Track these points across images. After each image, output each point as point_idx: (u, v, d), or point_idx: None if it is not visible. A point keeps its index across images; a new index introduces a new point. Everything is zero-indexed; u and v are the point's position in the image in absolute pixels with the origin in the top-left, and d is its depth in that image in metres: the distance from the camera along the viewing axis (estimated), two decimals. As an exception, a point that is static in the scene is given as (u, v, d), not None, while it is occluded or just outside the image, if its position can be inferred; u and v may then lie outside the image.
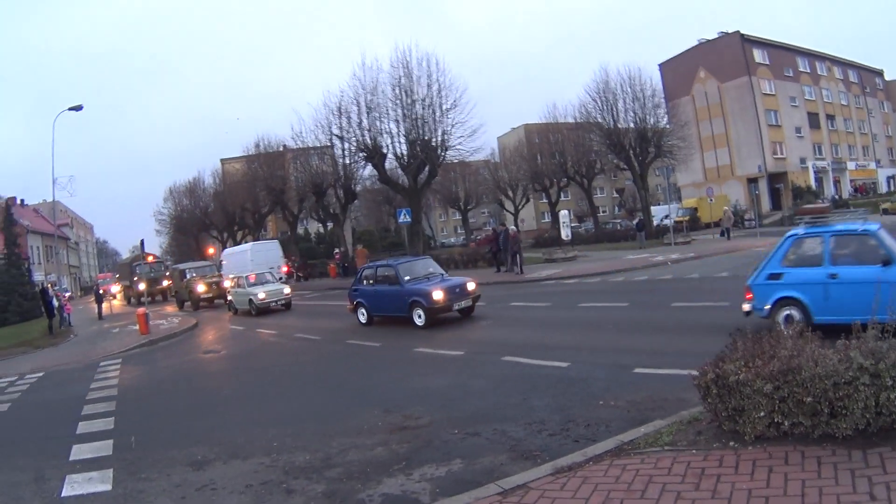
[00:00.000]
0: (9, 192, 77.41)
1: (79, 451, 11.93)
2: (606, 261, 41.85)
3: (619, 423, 9.66)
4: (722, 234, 52.78)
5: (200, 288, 46.65)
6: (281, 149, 72.54)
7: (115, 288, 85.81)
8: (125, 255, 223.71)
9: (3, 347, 34.03)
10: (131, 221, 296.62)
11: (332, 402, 13.87)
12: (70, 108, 50.04)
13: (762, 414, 7.50)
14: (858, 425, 7.02)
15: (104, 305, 54.15)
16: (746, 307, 14.68)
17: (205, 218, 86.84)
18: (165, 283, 63.13)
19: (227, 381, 19.14)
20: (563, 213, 57.37)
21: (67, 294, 59.02)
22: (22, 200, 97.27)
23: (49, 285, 54.67)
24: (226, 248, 77.51)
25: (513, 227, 49.39)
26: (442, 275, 25.19)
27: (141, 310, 33.42)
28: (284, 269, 58.19)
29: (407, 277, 24.05)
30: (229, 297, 39.73)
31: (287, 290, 37.85)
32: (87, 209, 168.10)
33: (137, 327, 32.47)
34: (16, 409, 17.72)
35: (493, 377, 13.98)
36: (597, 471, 7.57)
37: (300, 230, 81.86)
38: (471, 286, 23.89)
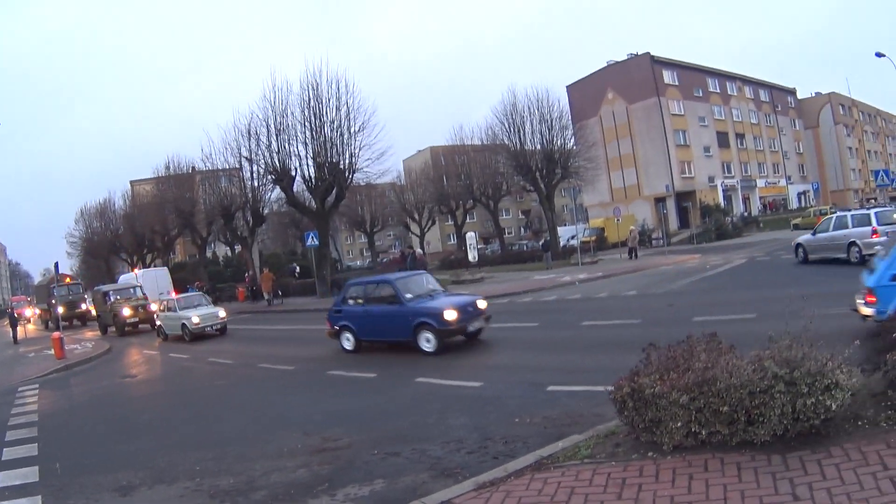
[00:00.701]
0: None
1: (5, 478, 11.95)
2: (514, 282, 42.39)
3: (537, 439, 9.92)
4: (629, 253, 52.93)
5: (126, 312, 43.41)
6: (190, 170, 71.41)
7: (30, 311, 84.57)
8: (38, 277, 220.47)
9: None
10: (43, 243, 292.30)
11: (253, 426, 13.98)
12: None
13: (679, 424, 7.75)
14: (776, 431, 7.33)
15: (19, 329, 53.28)
16: (868, 311, 13.27)
17: (115, 240, 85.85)
18: (84, 306, 61.56)
19: (148, 404, 19.14)
20: (470, 235, 57.79)
21: None
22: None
23: None
24: (136, 270, 76.89)
25: (419, 249, 49.55)
26: (444, 291, 22.73)
27: (56, 334, 32.98)
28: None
29: (408, 295, 20.58)
30: (158, 322, 36.86)
31: (222, 313, 35.56)
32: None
33: (52, 352, 31.99)
34: None
35: (409, 398, 14.35)
36: (519, 485, 7.78)
37: (208, 253, 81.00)
38: (482, 304, 21.04)
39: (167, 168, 74.72)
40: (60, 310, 49.92)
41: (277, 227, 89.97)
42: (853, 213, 31.37)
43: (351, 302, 22.61)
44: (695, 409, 7.60)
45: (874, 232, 28.29)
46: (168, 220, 76.08)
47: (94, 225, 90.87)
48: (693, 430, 7.68)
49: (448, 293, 22.72)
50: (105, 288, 51.10)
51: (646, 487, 7.03)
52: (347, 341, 22.12)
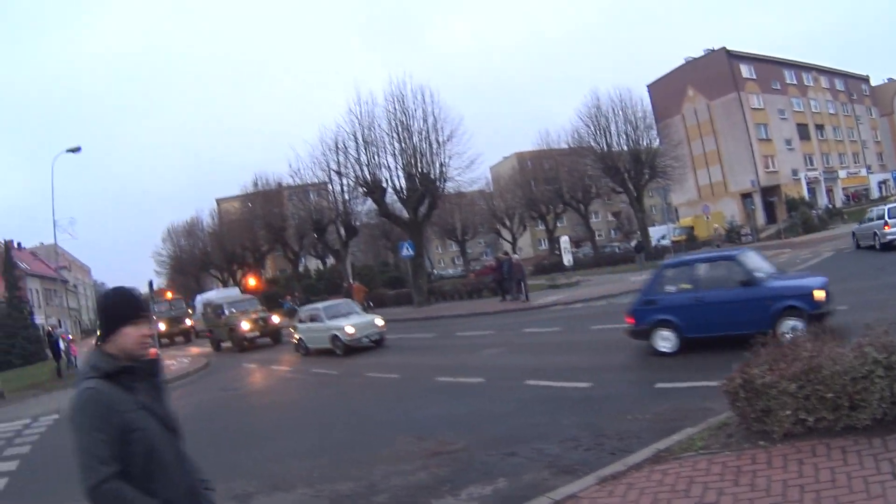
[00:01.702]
0: (6, 236, 76.93)
1: None
2: (609, 284, 41.93)
3: (650, 433, 9.92)
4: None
5: (245, 325, 38.56)
6: (281, 185, 72.03)
7: None
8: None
9: (13, 390, 34.02)
10: (128, 263, 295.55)
11: (366, 432, 13.89)
12: (68, 150, 49.32)
13: (788, 412, 7.85)
14: (876, 415, 7.43)
15: None
16: None
17: (204, 257, 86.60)
18: (188, 322, 59.22)
19: (253, 415, 19.06)
20: (564, 239, 57.77)
21: (70, 337, 57.51)
22: (19, 244, 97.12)
23: (50, 328, 54.39)
24: (226, 286, 77.72)
25: (516, 255, 49.44)
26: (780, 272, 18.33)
27: (152, 350, 32.47)
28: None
29: (760, 274, 15.81)
30: (296, 336, 31.73)
31: (380, 321, 30.18)
32: (83, 252, 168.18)
33: None
34: (38, 453, 17.36)
35: (519, 400, 14.20)
36: (639, 477, 7.89)
37: (300, 268, 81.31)
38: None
39: (255, 185, 75.57)
40: (162, 326, 51.76)
41: (368, 238, 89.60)
42: (882, 207, 35.17)
43: (671, 289, 17.31)
44: (802, 396, 7.76)
45: (885, 224, 32.66)
46: (258, 236, 76.41)
47: (182, 243, 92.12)
48: (801, 417, 7.82)
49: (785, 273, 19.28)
50: (217, 301, 47.10)
51: (760, 473, 7.19)
52: (665, 341, 16.51)
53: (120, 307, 3.90)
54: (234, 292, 62.64)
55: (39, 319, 75.98)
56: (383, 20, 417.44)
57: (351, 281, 58.55)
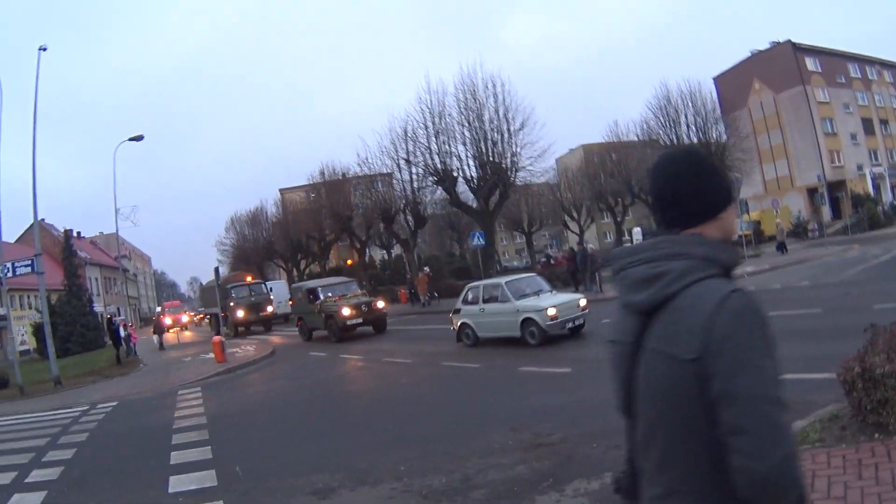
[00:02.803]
0: (66, 225, 77.64)
1: (178, 483, 11.17)
2: (682, 277, 41.19)
3: None
4: (778, 248, 51.85)
5: (346, 311, 33.96)
6: (345, 175, 71.63)
7: (185, 318, 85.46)
8: (183, 286, 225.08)
9: (71, 376, 33.59)
10: (189, 253, 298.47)
11: (453, 424, 13.33)
12: (130, 139, 48.92)
13: None
14: None
15: (169, 335, 54.69)
16: None
17: (268, 246, 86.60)
18: (270, 308, 54.53)
19: (327, 405, 18.20)
20: (637, 230, 57.23)
21: (130, 324, 57.18)
22: (79, 233, 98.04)
23: (110, 316, 54.32)
24: (290, 276, 77.68)
25: (591, 245, 49.05)
26: None
27: (217, 337, 32.63)
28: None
29: None
30: (461, 321, 24.78)
31: (584, 301, 24.13)
32: (143, 241, 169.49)
33: (212, 355, 31.85)
34: (96, 440, 16.76)
35: (607, 392, 13.52)
36: None
37: (365, 258, 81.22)
38: None
39: (322, 174, 75.20)
40: (241, 313, 50.72)
41: (434, 229, 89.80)
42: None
43: None
44: None
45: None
46: (324, 225, 75.99)
47: (246, 232, 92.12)
48: None
49: None
50: (311, 284, 41.53)
51: (882, 467, 7.04)
52: None
53: (724, 179, 2.68)
54: (279, 284, 61.64)
55: (98, 307, 76.49)
56: (452, 17, 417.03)
57: (416, 271, 57.99)
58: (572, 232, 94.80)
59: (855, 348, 10.59)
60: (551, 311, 21.70)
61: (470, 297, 24.98)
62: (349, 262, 79.18)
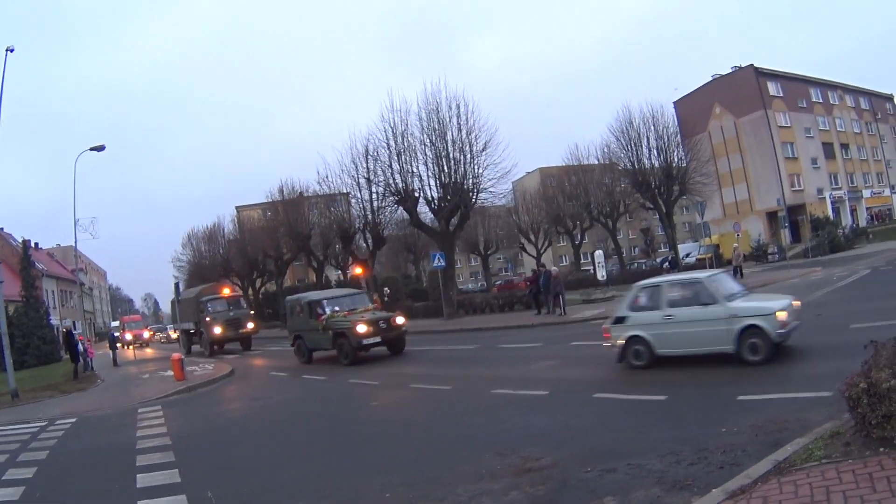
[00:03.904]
0: (24, 235, 76.91)
1: None
2: (645, 300, 41.11)
3: (755, 446, 9.52)
4: (733, 272, 50.30)
5: (361, 329, 28.99)
6: (305, 193, 71.09)
7: (147, 334, 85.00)
8: (138, 302, 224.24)
9: (28, 390, 32.95)
10: (145, 269, 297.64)
11: (433, 448, 12.85)
12: (92, 148, 47.76)
13: None
14: None
15: (128, 351, 53.29)
16: None
17: (225, 264, 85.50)
18: (250, 325, 48.95)
19: (296, 428, 17.56)
20: (598, 253, 57.07)
21: (87, 339, 55.97)
22: (36, 244, 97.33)
23: (66, 329, 53.11)
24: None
25: (554, 267, 48.68)
26: None
27: (176, 355, 32.01)
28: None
29: None
30: (630, 333, 18.18)
31: (797, 301, 17.99)
32: (99, 255, 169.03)
33: (171, 373, 31.34)
34: (57, 458, 16.23)
35: (595, 414, 13.55)
36: (770, 489, 7.51)
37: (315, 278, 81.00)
38: None
39: (281, 192, 74.82)
40: (218, 330, 45.98)
41: (389, 250, 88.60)
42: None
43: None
44: None
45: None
46: (282, 244, 75.52)
47: (203, 248, 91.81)
48: None
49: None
50: (312, 296, 34.63)
51: (895, 479, 6.92)
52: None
53: None
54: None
55: (55, 321, 75.86)
56: (415, 39, 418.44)
57: (373, 292, 54.26)
58: (529, 255, 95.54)
59: (839, 367, 11.27)
60: (781, 315, 16.10)
61: (643, 300, 18.89)
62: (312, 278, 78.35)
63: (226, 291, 52.11)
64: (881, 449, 7.83)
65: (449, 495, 9.46)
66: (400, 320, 31.27)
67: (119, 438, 17.99)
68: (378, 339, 29.71)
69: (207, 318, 47.02)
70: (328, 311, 31.57)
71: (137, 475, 12.90)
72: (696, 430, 10.94)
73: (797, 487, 7.36)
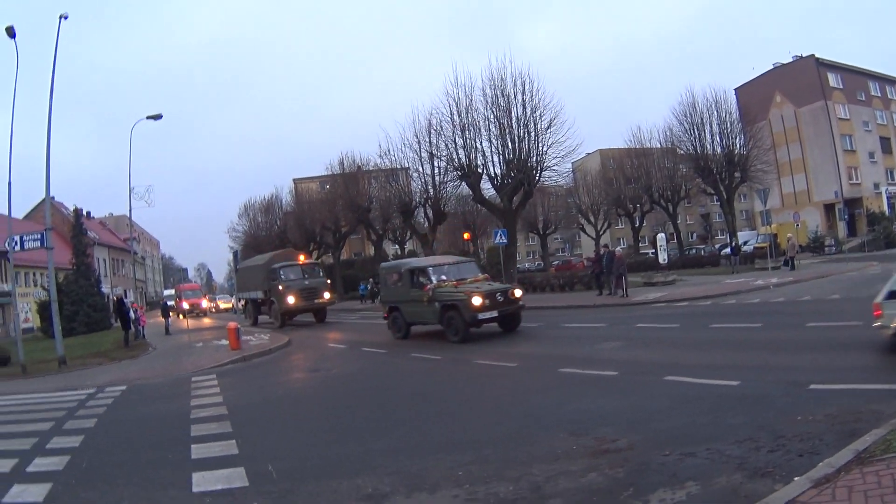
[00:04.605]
0: (76, 204, 77.16)
1: (203, 481, 10.05)
2: (707, 285, 41.33)
3: (832, 435, 9.33)
4: (785, 263, 50.25)
5: (477, 301, 25.46)
6: (365, 167, 71.33)
7: (205, 303, 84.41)
8: (192, 272, 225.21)
9: (76, 357, 32.59)
10: (196, 239, 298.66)
11: (502, 427, 12.14)
12: (149, 117, 47.66)
13: None
14: None
15: (187, 321, 51.82)
16: None
17: (282, 235, 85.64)
18: (327, 294, 46.43)
19: (359, 401, 16.78)
20: (661, 237, 57.21)
21: (141, 307, 55.74)
22: (89, 213, 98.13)
23: (118, 297, 52.74)
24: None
25: (618, 248, 48.58)
26: None
27: (232, 323, 31.25)
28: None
29: None
30: None
31: None
32: (153, 225, 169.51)
33: (225, 342, 31.03)
34: (105, 427, 15.61)
35: (667, 397, 13.10)
36: (854, 479, 7.40)
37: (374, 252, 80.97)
38: None
39: (341, 164, 74.96)
40: (292, 299, 43.80)
41: (447, 227, 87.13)
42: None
43: None
44: None
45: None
46: (340, 216, 75.43)
47: (260, 220, 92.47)
48: None
49: None
50: (415, 263, 31.89)
51: None
52: None
53: None
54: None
55: (105, 289, 76.13)
56: (474, 18, 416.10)
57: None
58: (588, 236, 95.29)
59: None
60: None
61: None
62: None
63: (301, 258, 49.61)
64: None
65: (524, 475, 9.09)
66: (518, 293, 28.19)
67: (172, 407, 17.66)
68: (495, 314, 26.33)
69: (280, 287, 44.51)
70: (434, 280, 28.22)
71: (192, 445, 12.46)
72: (772, 418, 10.73)
73: (879, 478, 7.30)
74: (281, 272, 45.13)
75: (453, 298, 26.49)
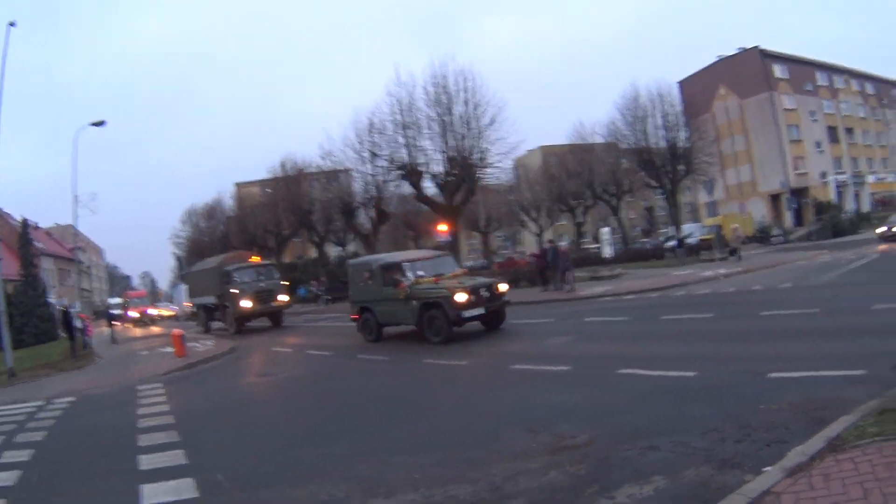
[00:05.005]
0: (23, 215, 76.61)
1: (153, 493, 9.81)
2: (654, 277, 41.45)
3: (800, 424, 9.18)
4: (731, 253, 50.12)
5: (461, 297, 23.09)
6: (307, 169, 71.02)
7: (155, 311, 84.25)
8: (136, 280, 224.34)
9: (25, 369, 32.05)
10: (140, 247, 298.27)
11: (459, 426, 12.04)
12: (92, 124, 47.14)
13: None
14: None
15: (132, 329, 51.75)
16: None
17: (224, 240, 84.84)
18: (283, 297, 43.70)
19: (309, 405, 16.63)
20: (605, 231, 57.31)
21: (87, 317, 54.93)
22: (35, 224, 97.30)
23: (64, 308, 52.28)
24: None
25: (563, 243, 48.36)
26: None
27: (177, 331, 30.97)
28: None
29: None
30: None
31: None
32: (96, 233, 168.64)
33: (170, 349, 30.63)
34: (56, 439, 15.38)
35: (623, 390, 13.00)
36: (829, 467, 7.24)
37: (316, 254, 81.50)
38: None
39: (283, 167, 74.82)
40: (248, 303, 41.16)
41: (389, 227, 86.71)
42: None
43: None
44: None
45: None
46: (282, 219, 74.96)
47: (202, 225, 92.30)
48: None
49: None
50: (388, 259, 28.57)
51: None
52: None
53: None
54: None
55: (52, 299, 75.52)
56: (422, 17, 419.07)
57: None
58: (530, 232, 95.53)
59: (869, 346, 12.53)
60: None
61: None
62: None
63: (254, 259, 47.00)
64: (939, 427, 7.63)
65: (484, 475, 8.87)
66: (503, 287, 25.91)
67: (119, 417, 17.30)
68: (481, 311, 24.06)
69: (234, 291, 41.87)
70: (410, 276, 25.69)
71: (140, 456, 12.17)
72: (735, 408, 10.59)
73: (857, 465, 7.15)
74: (234, 275, 42.46)
75: (434, 295, 24.08)
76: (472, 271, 41.36)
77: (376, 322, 26.96)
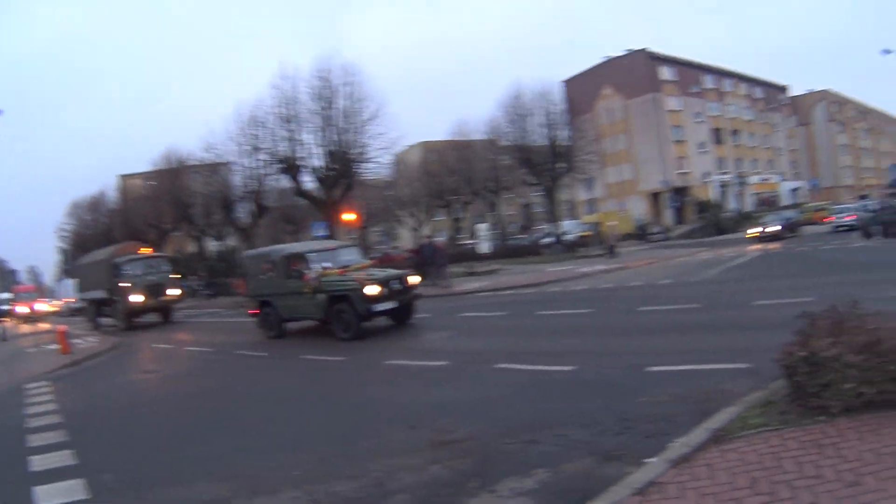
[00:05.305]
0: None
1: (46, 495, 9.69)
2: (532, 273, 42.01)
3: (682, 416, 9.40)
4: (607, 251, 50.85)
5: (372, 290, 21.96)
6: (190, 161, 70.13)
7: (45, 307, 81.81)
8: (23, 273, 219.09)
9: None
10: (26, 241, 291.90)
11: (340, 422, 12.22)
12: None
13: (849, 386, 7.85)
14: None
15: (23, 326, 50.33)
16: None
17: (108, 233, 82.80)
18: (175, 291, 41.78)
19: (192, 402, 16.44)
20: (482, 227, 57.33)
21: None
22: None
23: None
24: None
25: (439, 238, 48.58)
26: None
27: (61, 327, 30.05)
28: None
29: None
30: None
31: None
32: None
33: (56, 346, 29.55)
34: None
35: (502, 385, 13.17)
36: (714, 457, 7.47)
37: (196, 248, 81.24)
38: None
39: (166, 159, 74.20)
40: (138, 297, 38.84)
41: (268, 221, 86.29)
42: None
43: None
44: (865, 369, 7.77)
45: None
46: (163, 213, 74.17)
47: (87, 218, 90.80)
48: (860, 390, 7.87)
49: None
50: (290, 249, 27.28)
51: (841, 445, 7.14)
52: None
53: None
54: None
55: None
56: (306, 12, 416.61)
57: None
58: (407, 228, 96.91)
59: (752, 340, 12.94)
60: None
61: None
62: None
63: (143, 250, 43.60)
64: (819, 417, 8.01)
65: (365, 472, 8.98)
66: (414, 279, 24.97)
67: (7, 418, 16.82)
68: (394, 304, 23.07)
69: (124, 284, 39.14)
70: (315, 267, 24.06)
71: (30, 457, 11.90)
72: (614, 401, 10.84)
73: (741, 455, 7.40)
74: (124, 267, 39.62)
75: (343, 288, 22.67)
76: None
77: (278, 317, 25.79)
